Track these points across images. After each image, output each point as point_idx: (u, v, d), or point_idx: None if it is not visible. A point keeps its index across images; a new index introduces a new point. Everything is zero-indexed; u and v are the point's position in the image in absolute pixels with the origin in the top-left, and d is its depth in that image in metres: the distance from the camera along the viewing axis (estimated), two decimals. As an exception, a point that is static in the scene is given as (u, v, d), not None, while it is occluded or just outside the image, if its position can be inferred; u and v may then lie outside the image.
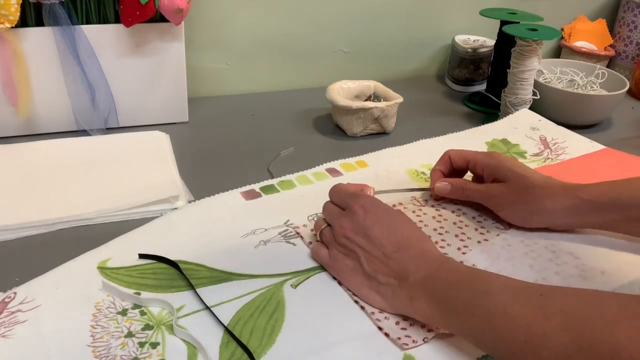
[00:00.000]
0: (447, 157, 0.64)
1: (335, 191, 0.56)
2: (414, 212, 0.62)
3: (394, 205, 0.63)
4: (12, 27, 0.67)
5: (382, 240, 0.49)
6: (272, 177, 0.69)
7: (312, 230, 0.58)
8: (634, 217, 0.55)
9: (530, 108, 0.86)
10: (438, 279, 0.46)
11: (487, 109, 0.95)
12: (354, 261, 0.50)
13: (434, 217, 0.61)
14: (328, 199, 0.56)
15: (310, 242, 0.56)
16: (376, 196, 0.56)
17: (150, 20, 0.74)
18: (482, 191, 0.61)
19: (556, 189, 0.57)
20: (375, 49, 1.03)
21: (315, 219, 0.60)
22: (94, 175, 0.67)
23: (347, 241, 0.50)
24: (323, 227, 0.55)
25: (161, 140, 0.76)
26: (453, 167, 0.64)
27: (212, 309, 0.47)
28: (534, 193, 0.57)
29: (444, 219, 0.61)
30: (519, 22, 0.88)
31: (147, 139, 0.76)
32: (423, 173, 0.71)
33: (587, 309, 0.38)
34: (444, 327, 0.46)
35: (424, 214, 0.62)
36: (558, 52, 1.17)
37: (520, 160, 0.75)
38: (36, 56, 0.71)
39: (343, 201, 0.54)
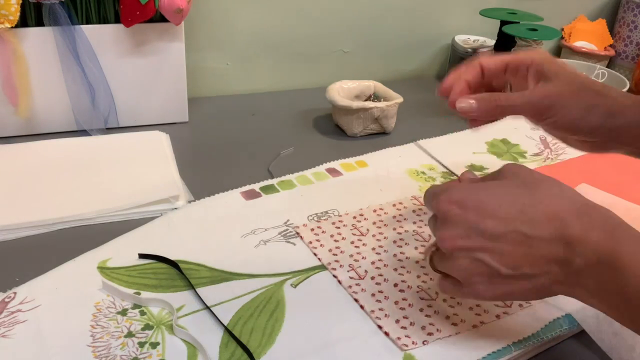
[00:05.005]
0: (478, 64, 0.50)
1: (424, 199, 0.45)
2: (414, 211, 0.62)
3: (394, 205, 0.63)
4: (12, 27, 0.67)
5: (502, 225, 0.38)
6: (272, 177, 0.69)
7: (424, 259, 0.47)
8: None
9: (530, 108, 0.86)
10: (618, 270, 0.34)
11: (487, 109, 0.95)
12: (483, 270, 0.39)
13: (434, 217, 0.61)
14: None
15: (310, 242, 0.56)
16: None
17: (150, 20, 0.74)
18: (526, 96, 0.47)
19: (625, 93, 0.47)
20: (375, 49, 1.03)
21: (315, 218, 0.60)
22: (94, 175, 0.67)
23: (461, 253, 0.40)
24: (432, 250, 0.44)
25: (161, 140, 0.76)
26: (485, 79, 0.51)
27: (212, 308, 0.47)
28: (593, 88, 0.47)
29: (444, 219, 0.61)
30: (519, 22, 0.88)
31: (147, 139, 0.76)
32: (423, 173, 0.71)
33: None
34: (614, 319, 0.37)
35: (424, 213, 0.62)
36: (558, 52, 1.17)
37: (520, 160, 0.76)
38: (36, 56, 0.71)
39: (432, 209, 0.43)
